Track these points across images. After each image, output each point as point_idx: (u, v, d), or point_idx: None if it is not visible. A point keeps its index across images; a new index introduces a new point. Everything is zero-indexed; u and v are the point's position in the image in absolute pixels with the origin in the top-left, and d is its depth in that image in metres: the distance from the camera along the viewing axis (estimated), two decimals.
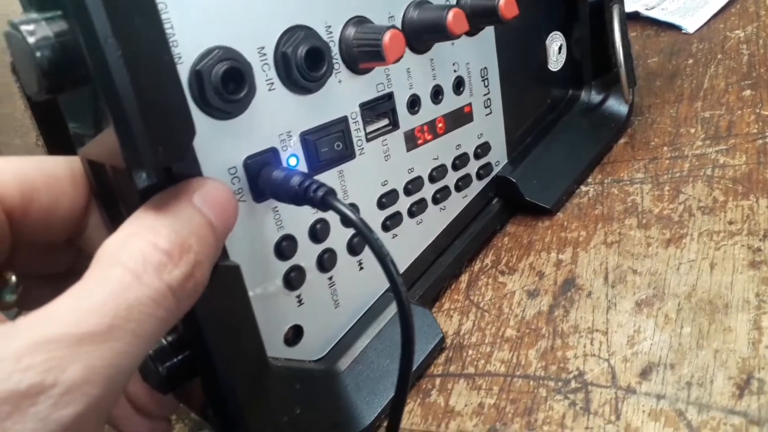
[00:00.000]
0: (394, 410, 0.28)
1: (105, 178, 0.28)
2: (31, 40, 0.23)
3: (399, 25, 0.34)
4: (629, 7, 0.69)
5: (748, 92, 0.50)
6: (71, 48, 0.23)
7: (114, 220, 0.28)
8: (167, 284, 0.22)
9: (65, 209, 0.27)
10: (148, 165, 0.22)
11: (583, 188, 0.46)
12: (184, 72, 0.26)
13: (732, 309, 0.33)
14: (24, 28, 0.23)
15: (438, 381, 0.36)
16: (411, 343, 0.26)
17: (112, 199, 0.28)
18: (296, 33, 0.29)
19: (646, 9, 0.68)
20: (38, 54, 0.23)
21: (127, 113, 0.22)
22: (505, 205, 0.45)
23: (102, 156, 0.26)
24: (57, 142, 0.35)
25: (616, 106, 0.50)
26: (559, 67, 0.49)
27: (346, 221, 0.27)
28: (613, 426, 0.30)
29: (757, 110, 0.47)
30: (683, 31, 0.63)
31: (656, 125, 0.50)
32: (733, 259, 0.36)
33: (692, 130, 0.48)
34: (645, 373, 0.32)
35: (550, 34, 0.47)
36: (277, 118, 0.29)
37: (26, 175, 0.26)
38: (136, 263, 0.22)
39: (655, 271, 0.37)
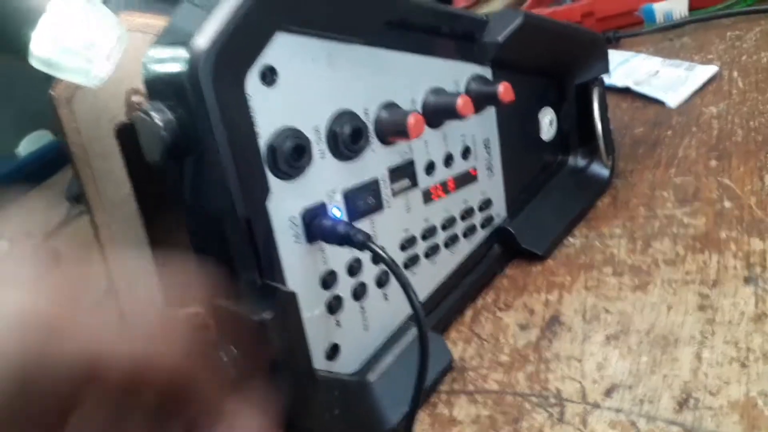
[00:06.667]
0: (411, 408, 0.37)
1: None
2: (159, 122, 0.32)
3: (419, 107, 0.43)
4: (622, 82, 0.78)
5: (714, 162, 0.59)
6: (185, 127, 0.32)
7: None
8: None
9: None
10: (240, 214, 0.31)
11: (571, 240, 0.55)
12: (262, 145, 0.34)
13: (680, 343, 0.41)
14: (153, 114, 0.32)
15: (444, 396, 0.44)
16: (426, 351, 0.34)
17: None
18: (343, 116, 0.38)
19: (636, 84, 0.77)
20: (164, 133, 0.32)
21: (228, 177, 0.31)
22: (504, 251, 0.54)
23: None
24: (144, 195, 0.44)
25: (599, 169, 0.59)
26: (550, 137, 0.58)
27: (379, 259, 0.35)
28: None
29: (719, 179, 0.56)
30: (666, 105, 0.72)
31: (636, 188, 0.59)
32: (685, 303, 0.44)
33: (665, 194, 0.57)
34: (609, 392, 0.40)
35: (542, 109, 0.56)
36: (326, 179, 0.38)
37: None
38: None
39: (624, 311, 0.45)
